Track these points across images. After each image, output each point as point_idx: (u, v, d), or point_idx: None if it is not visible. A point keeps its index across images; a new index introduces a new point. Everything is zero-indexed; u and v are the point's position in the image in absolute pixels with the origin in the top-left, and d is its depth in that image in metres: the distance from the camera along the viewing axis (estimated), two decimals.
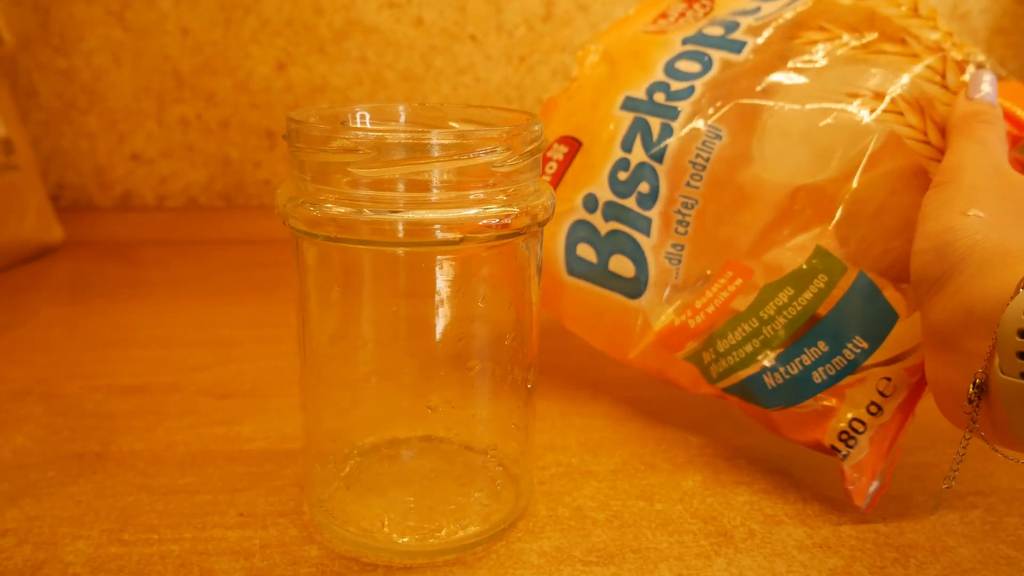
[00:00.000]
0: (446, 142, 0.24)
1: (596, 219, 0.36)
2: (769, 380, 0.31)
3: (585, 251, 0.37)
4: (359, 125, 0.29)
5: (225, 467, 0.32)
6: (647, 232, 0.35)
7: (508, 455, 0.31)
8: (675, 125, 0.35)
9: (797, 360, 0.31)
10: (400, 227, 0.24)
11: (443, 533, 0.28)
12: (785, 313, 0.31)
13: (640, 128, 0.36)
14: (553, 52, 0.74)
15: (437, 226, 0.24)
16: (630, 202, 0.35)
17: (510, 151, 0.25)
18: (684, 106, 0.35)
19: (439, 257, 0.26)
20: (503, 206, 0.25)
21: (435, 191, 0.24)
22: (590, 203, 0.36)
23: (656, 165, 0.35)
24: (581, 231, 0.37)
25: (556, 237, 0.37)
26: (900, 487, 0.32)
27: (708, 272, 0.34)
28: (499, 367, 0.29)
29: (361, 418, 0.31)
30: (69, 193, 0.74)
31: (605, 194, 0.36)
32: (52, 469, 0.32)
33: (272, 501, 0.30)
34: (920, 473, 0.33)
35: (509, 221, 0.25)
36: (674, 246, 0.35)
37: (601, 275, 0.36)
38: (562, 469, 0.33)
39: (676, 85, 0.36)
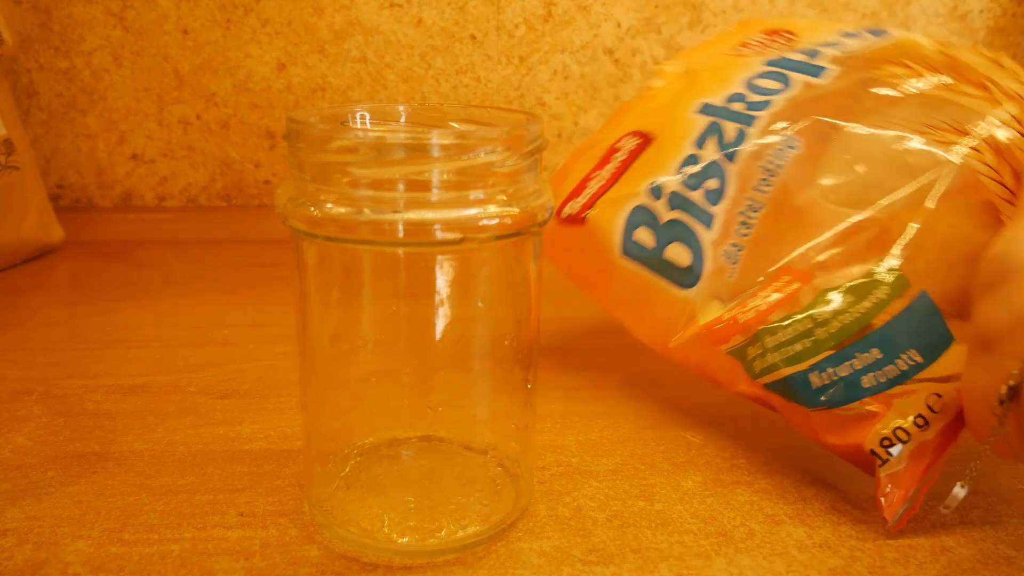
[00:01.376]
0: (446, 142, 0.24)
1: (659, 206, 0.36)
2: (816, 379, 0.31)
3: (643, 235, 0.37)
4: (359, 125, 0.29)
5: (225, 467, 0.32)
6: (709, 225, 0.35)
7: (508, 455, 0.31)
8: (751, 131, 0.36)
9: (848, 363, 0.30)
10: (400, 227, 0.24)
11: (443, 533, 0.28)
12: (840, 318, 0.31)
13: (715, 130, 0.37)
14: (553, 52, 0.74)
15: (437, 226, 0.24)
16: (697, 195, 0.36)
17: (510, 151, 0.25)
18: (762, 115, 0.36)
19: (439, 257, 0.26)
20: (503, 206, 0.25)
21: (435, 191, 0.24)
22: (655, 191, 0.37)
23: (727, 164, 0.36)
24: (641, 216, 0.37)
25: (615, 219, 0.37)
26: None
27: (761, 279, 0.34)
28: (499, 367, 0.29)
29: (361, 418, 0.31)
30: (69, 193, 0.74)
31: (672, 184, 0.36)
32: (52, 469, 0.32)
33: (272, 501, 0.30)
34: None
35: (509, 221, 0.25)
36: (734, 245, 0.35)
37: (656, 261, 0.37)
38: (562, 469, 0.33)
39: (755, 97, 0.37)
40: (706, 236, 0.35)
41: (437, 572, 0.27)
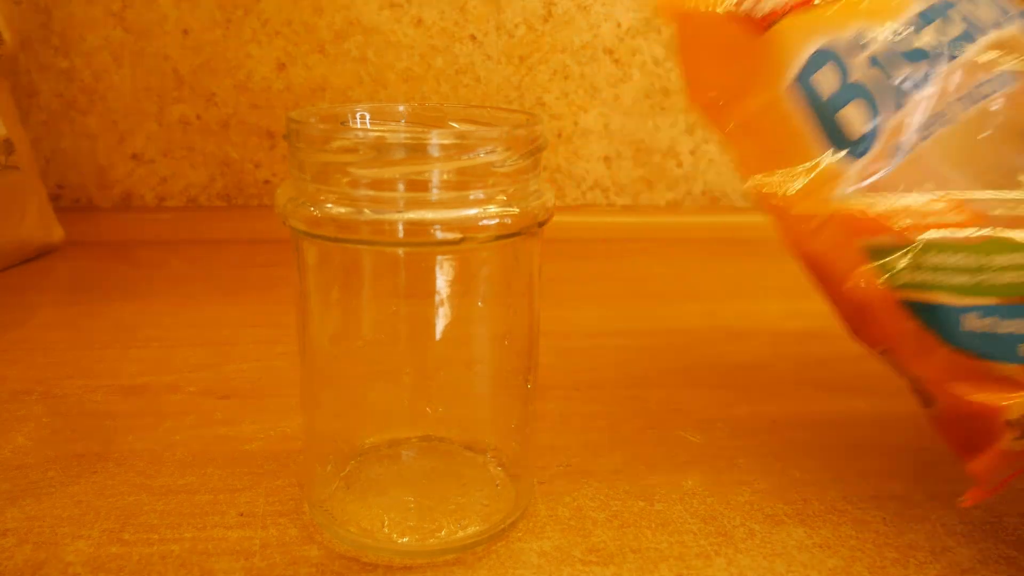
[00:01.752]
0: (446, 142, 0.24)
1: (857, 60, 0.32)
2: (970, 321, 0.28)
3: (824, 79, 0.32)
4: (359, 125, 0.29)
5: (225, 467, 0.32)
6: (898, 107, 0.31)
7: (508, 455, 0.31)
8: (979, 39, 0.32)
9: (1015, 321, 0.28)
10: (400, 227, 0.24)
11: (443, 533, 0.28)
12: (1018, 274, 0.28)
13: (942, 14, 0.33)
14: (553, 52, 0.74)
15: (437, 226, 0.24)
16: (901, 71, 0.32)
17: (510, 151, 0.25)
18: (991, 33, 0.32)
19: (439, 257, 0.26)
20: (503, 206, 0.25)
21: (435, 191, 0.24)
22: (860, 41, 0.32)
23: (941, 61, 0.32)
24: (831, 58, 0.32)
25: (803, 45, 0.32)
26: (900, 487, 0.32)
27: (919, 196, 0.31)
28: (499, 367, 0.29)
29: (361, 418, 0.31)
30: (69, 193, 0.74)
31: (882, 45, 0.32)
32: (52, 469, 0.32)
33: (272, 501, 0.30)
34: (920, 473, 0.33)
35: (509, 221, 0.25)
36: (905, 142, 0.31)
37: (824, 113, 0.32)
38: (562, 469, 0.33)
39: (981, 14, 0.33)
40: (889, 117, 0.31)
41: (437, 572, 0.27)
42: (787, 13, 0.32)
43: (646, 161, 0.77)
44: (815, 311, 0.52)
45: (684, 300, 0.55)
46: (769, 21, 0.32)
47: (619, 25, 0.74)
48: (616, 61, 0.75)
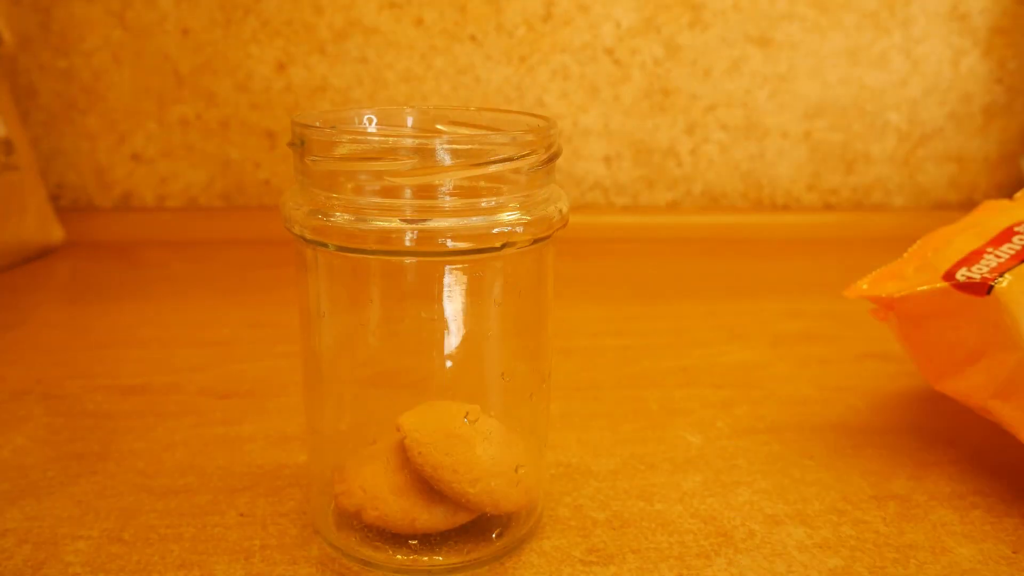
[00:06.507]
0: (458, 149, 0.24)
1: None
2: None
3: None
4: (366, 129, 0.29)
5: (225, 467, 0.33)
6: None
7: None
8: None
9: None
10: (408, 236, 0.24)
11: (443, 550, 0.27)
12: None
13: None
14: (553, 52, 0.74)
15: (448, 235, 0.24)
16: None
17: (524, 158, 0.24)
18: None
19: (448, 267, 0.26)
20: (517, 214, 0.25)
21: (446, 199, 0.24)
22: None
23: None
24: None
25: None
26: (900, 487, 0.32)
27: None
28: (510, 377, 0.29)
29: (365, 422, 0.31)
30: (69, 193, 0.74)
31: None
32: (52, 469, 0.32)
33: (272, 501, 0.30)
34: (920, 473, 0.33)
35: (521, 229, 0.25)
36: None
37: None
38: (562, 469, 0.33)
39: None
40: None
41: (437, 572, 0.27)
42: (1000, 275, 0.32)
43: (646, 161, 0.77)
44: (815, 311, 0.52)
45: (684, 300, 0.55)
46: (987, 284, 0.32)
47: (619, 25, 0.74)
48: (616, 61, 0.75)
